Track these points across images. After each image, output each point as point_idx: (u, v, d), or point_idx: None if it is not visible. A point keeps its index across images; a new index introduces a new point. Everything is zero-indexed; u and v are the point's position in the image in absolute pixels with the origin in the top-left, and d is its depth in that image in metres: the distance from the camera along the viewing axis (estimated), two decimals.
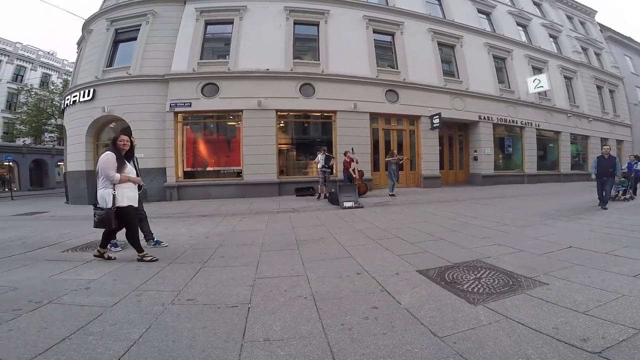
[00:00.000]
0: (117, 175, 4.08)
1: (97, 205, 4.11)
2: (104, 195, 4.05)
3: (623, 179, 10.28)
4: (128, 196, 4.23)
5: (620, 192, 10.18)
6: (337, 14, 14.36)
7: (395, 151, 12.77)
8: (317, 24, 14.28)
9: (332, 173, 12.00)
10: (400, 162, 12.55)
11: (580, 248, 4.27)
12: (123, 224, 4.26)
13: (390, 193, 11.59)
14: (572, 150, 20.75)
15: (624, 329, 2.14)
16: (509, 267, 3.52)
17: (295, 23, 14.03)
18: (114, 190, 4.07)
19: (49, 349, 2.13)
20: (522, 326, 2.25)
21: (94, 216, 4.10)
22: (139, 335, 2.30)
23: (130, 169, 4.37)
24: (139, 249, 4.34)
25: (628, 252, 3.96)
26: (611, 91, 24.22)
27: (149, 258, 4.30)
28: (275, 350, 2.08)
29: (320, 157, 11.28)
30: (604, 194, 8.42)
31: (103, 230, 4.30)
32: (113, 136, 4.50)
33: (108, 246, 4.64)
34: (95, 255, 4.45)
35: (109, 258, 4.44)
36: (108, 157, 4.09)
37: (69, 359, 2.03)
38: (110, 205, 4.01)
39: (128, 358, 2.03)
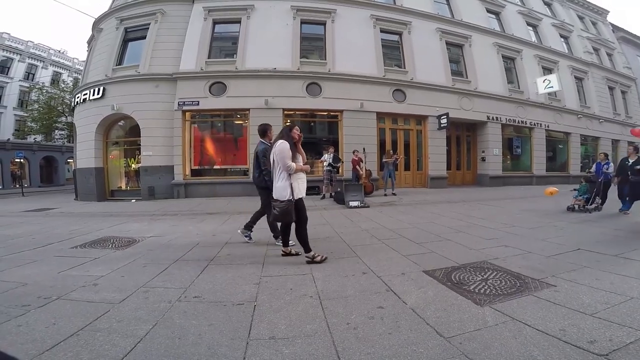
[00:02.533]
0: (294, 165, 3.89)
1: (275, 198, 3.92)
2: (283, 187, 3.89)
3: (584, 183, 8.38)
4: (301, 188, 4.05)
5: (581, 200, 8.07)
6: (344, 13, 14.33)
7: (391, 151, 12.75)
8: (324, 23, 14.28)
9: (338, 172, 11.98)
10: (397, 162, 12.42)
11: (589, 250, 4.22)
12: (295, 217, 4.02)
13: (393, 192, 11.64)
14: (582, 152, 20.49)
15: (632, 331, 2.11)
16: (516, 269, 3.49)
17: (302, 22, 14.05)
18: (292, 181, 3.92)
19: (56, 345, 2.16)
20: (528, 328, 2.23)
21: (273, 209, 3.89)
22: (146, 332, 2.32)
23: (299, 160, 4.15)
24: (308, 248, 4.07)
25: (638, 254, 3.90)
26: (623, 92, 23.84)
27: (319, 258, 4.02)
28: (280, 349, 2.08)
29: (327, 157, 11.25)
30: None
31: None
32: (286, 125, 4.41)
33: (280, 242, 4.67)
34: (283, 255, 4.30)
35: (296, 254, 4.28)
36: (284, 147, 3.89)
37: (77, 355, 2.04)
38: (289, 196, 3.85)
39: (135, 355, 2.05)
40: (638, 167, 7.32)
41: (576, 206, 8.03)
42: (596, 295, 2.74)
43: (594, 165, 8.97)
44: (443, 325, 2.32)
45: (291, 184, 3.88)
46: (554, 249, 4.31)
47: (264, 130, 5.10)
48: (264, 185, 4.89)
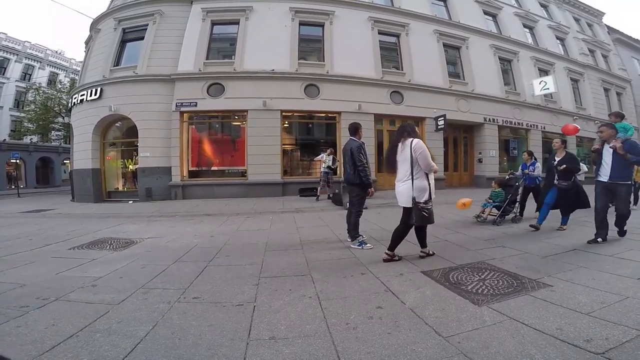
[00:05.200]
0: (435, 165, 3.77)
1: (416, 200, 3.70)
2: (423, 187, 3.72)
3: (498, 189, 7.06)
4: (433, 188, 3.87)
5: (489, 209, 6.80)
6: (343, 15, 14.37)
7: None
8: (322, 25, 14.31)
9: (335, 174, 12.00)
10: None
11: (585, 250, 4.25)
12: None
13: None
14: (579, 153, 20.60)
15: (628, 330, 2.14)
16: (513, 269, 3.52)
17: (300, 24, 14.07)
18: (429, 181, 3.79)
19: (56, 346, 2.16)
20: (526, 327, 2.25)
21: (420, 211, 3.69)
22: (146, 333, 2.32)
23: None
24: (425, 244, 4.10)
25: (633, 254, 3.94)
26: (618, 94, 24.01)
27: (426, 252, 4.09)
28: (280, 349, 2.09)
29: (326, 157, 11.23)
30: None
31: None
32: (407, 122, 4.52)
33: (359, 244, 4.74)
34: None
35: (400, 258, 4.06)
36: (424, 145, 3.74)
37: (77, 356, 2.05)
38: (427, 197, 3.73)
39: (135, 355, 2.05)
40: (564, 166, 5.61)
41: (483, 217, 6.79)
42: (592, 294, 2.77)
43: (520, 167, 7.66)
44: (441, 324, 2.34)
45: (429, 184, 3.79)
46: (550, 249, 4.33)
47: (355, 129, 5.12)
48: (357, 182, 4.90)
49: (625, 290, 2.83)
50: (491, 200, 6.95)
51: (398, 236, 4.01)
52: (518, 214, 7.03)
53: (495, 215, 6.61)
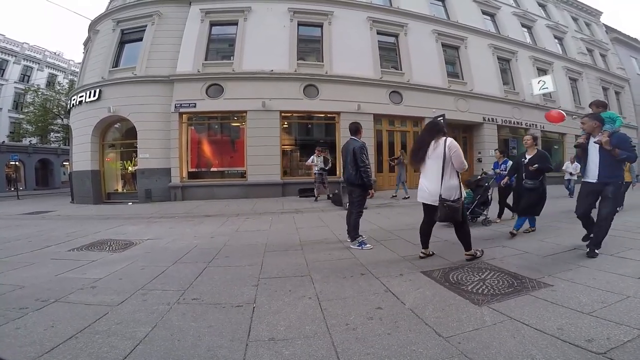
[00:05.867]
0: (467, 164, 3.81)
1: (443, 197, 3.68)
2: (454, 186, 3.72)
3: (467, 190, 6.31)
4: (462, 187, 3.88)
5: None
6: (341, 15, 14.39)
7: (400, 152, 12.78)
8: (321, 25, 14.32)
9: (328, 174, 11.93)
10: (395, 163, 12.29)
11: (585, 250, 4.24)
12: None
13: (394, 195, 11.49)
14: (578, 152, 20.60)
15: (629, 330, 2.13)
16: (513, 269, 3.51)
17: (299, 24, 14.10)
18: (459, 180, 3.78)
19: (55, 348, 2.15)
20: (526, 327, 2.24)
21: (445, 208, 3.65)
22: (145, 334, 2.31)
23: None
24: (469, 246, 3.94)
25: (634, 254, 3.94)
26: (617, 93, 24.06)
27: (479, 253, 3.98)
28: (280, 350, 2.09)
29: (316, 159, 11.18)
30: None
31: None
32: (436, 120, 4.85)
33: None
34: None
35: (432, 254, 4.14)
36: (457, 144, 3.76)
37: (75, 358, 2.04)
38: (458, 195, 3.72)
39: (134, 357, 2.04)
40: (535, 166, 5.20)
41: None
42: (593, 294, 2.76)
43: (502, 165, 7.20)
44: (442, 325, 2.33)
45: (460, 184, 3.79)
46: (550, 249, 4.33)
47: (356, 129, 5.09)
48: (359, 183, 4.85)
49: (626, 289, 2.82)
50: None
51: (426, 233, 4.09)
52: (496, 215, 6.78)
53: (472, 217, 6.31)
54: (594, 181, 4.03)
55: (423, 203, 3.99)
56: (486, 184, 6.57)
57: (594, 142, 3.99)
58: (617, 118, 4.48)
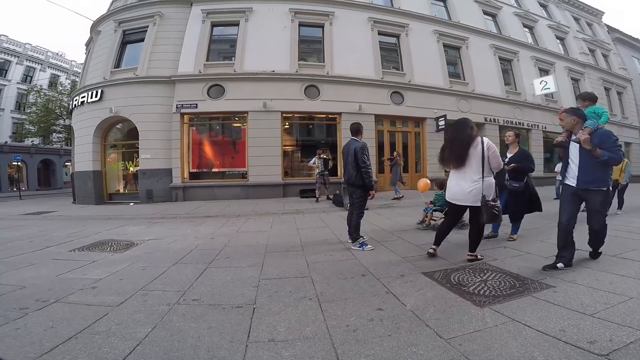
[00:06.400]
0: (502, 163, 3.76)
1: (486, 198, 3.62)
2: (492, 185, 3.70)
3: (439, 191, 6.42)
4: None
5: (430, 214, 6.28)
6: (342, 16, 14.39)
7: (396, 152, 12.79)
8: (322, 26, 14.33)
9: (330, 174, 11.93)
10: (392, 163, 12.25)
11: (587, 250, 4.21)
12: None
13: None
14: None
15: (632, 331, 2.11)
16: (515, 270, 3.49)
17: (300, 25, 14.10)
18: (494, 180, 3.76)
19: (55, 348, 2.15)
20: (528, 328, 2.23)
21: (490, 209, 3.61)
22: (145, 335, 2.31)
23: None
24: (476, 247, 3.93)
25: (636, 254, 3.91)
26: (619, 93, 24.02)
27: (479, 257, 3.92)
28: (280, 351, 2.08)
29: (317, 162, 11.19)
30: None
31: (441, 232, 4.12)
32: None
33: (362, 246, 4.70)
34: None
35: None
36: (493, 144, 3.75)
37: (75, 358, 2.04)
38: (494, 195, 3.71)
39: (133, 358, 2.04)
40: (512, 165, 5.01)
41: (425, 223, 6.21)
42: (595, 295, 2.74)
43: None
44: (443, 326, 2.32)
45: (495, 183, 3.77)
46: (552, 250, 4.30)
47: (357, 129, 5.08)
48: (360, 184, 4.83)
49: (628, 290, 2.80)
50: (432, 204, 6.36)
51: (445, 233, 4.13)
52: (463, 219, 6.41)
53: (437, 220, 6.13)
54: (574, 185, 3.56)
55: (451, 203, 3.96)
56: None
57: (572, 141, 3.60)
58: (602, 113, 4.00)
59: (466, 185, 3.72)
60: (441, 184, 6.46)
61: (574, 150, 3.58)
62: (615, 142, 3.40)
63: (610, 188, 3.58)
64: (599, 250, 3.78)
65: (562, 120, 3.70)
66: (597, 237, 3.68)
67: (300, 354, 2.04)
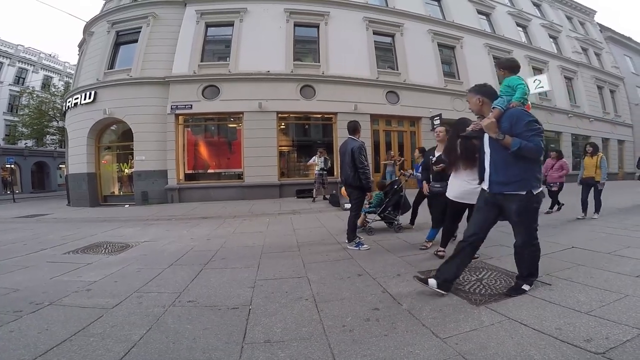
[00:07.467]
0: None
1: None
2: None
3: (378, 192, 6.05)
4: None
5: (362, 215, 5.76)
6: (337, 16, 14.39)
7: (392, 152, 12.85)
8: (317, 26, 14.32)
9: (329, 174, 11.95)
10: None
11: (582, 248, 4.25)
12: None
13: None
14: (573, 151, 20.72)
15: (628, 329, 2.12)
16: (510, 268, 3.49)
17: (295, 25, 14.07)
18: None
19: (49, 351, 2.13)
20: (524, 327, 2.23)
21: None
22: (140, 337, 2.30)
23: None
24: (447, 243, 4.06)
25: (631, 252, 3.94)
26: (612, 91, 24.24)
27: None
28: (276, 352, 2.07)
29: (318, 160, 11.21)
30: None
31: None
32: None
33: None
34: (440, 256, 3.93)
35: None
36: None
37: None
38: None
39: (128, 359, 2.03)
40: (441, 165, 4.15)
41: (368, 224, 5.83)
42: (591, 293, 2.75)
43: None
44: (439, 326, 2.32)
45: None
46: (548, 248, 4.32)
47: (354, 127, 5.02)
48: (357, 185, 4.74)
49: (624, 288, 2.81)
50: (367, 205, 5.88)
51: (452, 233, 4.22)
52: (400, 222, 5.89)
53: (370, 221, 5.89)
54: (486, 188, 2.81)
55: (454, 203, 3.91)
56: (395, 187, 5.89)
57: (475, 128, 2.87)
58: (518, 86, 2.84)
59: (474, 184, 3.59)
60: (382, 186, 6.32)
61: (485, 142, 2.80)
62: (530, 124, 2.50)
63: (534, 192, 2.59)
64: (524, 287, 2.76)
65: (469, 101, 2.96)
66: (520, 258, 2.82)
67: (297, 354, 2.03)
